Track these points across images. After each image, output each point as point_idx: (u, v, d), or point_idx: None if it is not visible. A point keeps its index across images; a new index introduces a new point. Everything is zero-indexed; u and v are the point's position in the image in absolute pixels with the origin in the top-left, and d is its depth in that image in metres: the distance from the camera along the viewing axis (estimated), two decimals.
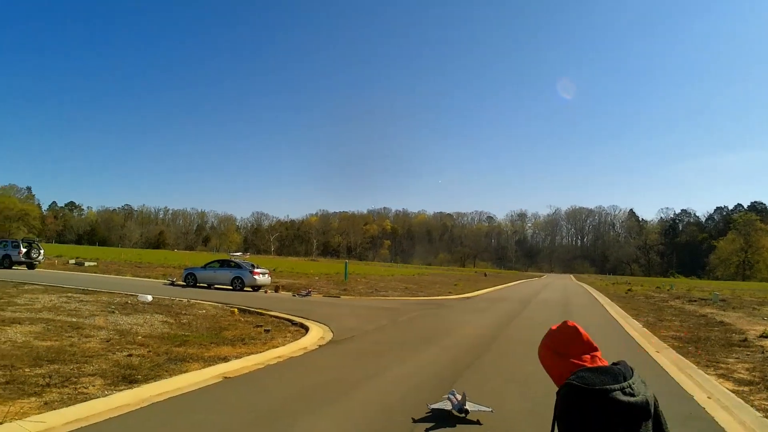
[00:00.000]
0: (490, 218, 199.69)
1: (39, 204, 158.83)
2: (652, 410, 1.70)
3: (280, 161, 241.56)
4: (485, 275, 76.87)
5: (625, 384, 1.68)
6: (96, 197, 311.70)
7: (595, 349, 1.85)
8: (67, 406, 6.44)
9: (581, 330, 1.88)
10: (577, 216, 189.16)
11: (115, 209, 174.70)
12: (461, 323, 17.86)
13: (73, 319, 12.93)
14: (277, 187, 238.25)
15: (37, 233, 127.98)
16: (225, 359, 9.73)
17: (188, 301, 19.18)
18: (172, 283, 28.83)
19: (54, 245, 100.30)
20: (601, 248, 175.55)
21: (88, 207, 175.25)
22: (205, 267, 29.03)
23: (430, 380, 8.93)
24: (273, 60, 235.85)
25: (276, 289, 28.56)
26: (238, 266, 28.23)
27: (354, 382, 8.58)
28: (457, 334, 15.15)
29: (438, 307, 23.85)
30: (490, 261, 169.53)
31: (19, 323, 11.84)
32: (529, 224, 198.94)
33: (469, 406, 6.74)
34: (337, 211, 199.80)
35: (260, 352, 10.67)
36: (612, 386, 1.66)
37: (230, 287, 27.22)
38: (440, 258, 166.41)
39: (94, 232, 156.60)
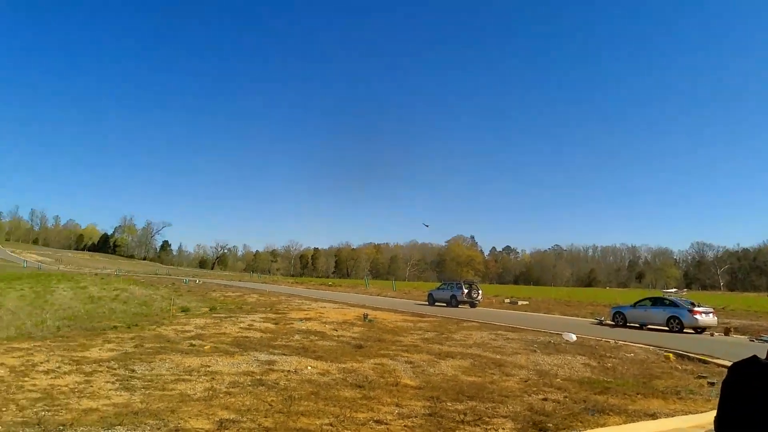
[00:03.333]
0: None
1: (481, 250, 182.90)
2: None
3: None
4: None
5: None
6: (528, 240, 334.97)
7: None
8: None
9: None
10: None
11: (545, 250, 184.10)
12: None
13: (497, 356, 13.31)
14: (718, 209, 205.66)
15: (480, 276, 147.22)
16: (653, 416, 8.11)
17: (615, 342, 17.70)
18: (600, 323, 27.55)
19: (494, 286, 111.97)
20: None
21: (522, 250, 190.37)
22: (634, 305, 26.88)
23: None
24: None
25: (726, 332, 23.89)
26: (673, 304, 25.04)
27: None
28: None
29: None
30: None
31: (452, 357, 12.85)
32: None
33: None
34: None
35: (701, 411, 8.53)
36: None
37: (666, 328, 24.20)
38: None
39: (529, 273, 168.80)
